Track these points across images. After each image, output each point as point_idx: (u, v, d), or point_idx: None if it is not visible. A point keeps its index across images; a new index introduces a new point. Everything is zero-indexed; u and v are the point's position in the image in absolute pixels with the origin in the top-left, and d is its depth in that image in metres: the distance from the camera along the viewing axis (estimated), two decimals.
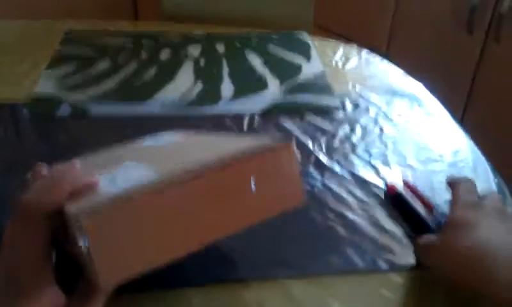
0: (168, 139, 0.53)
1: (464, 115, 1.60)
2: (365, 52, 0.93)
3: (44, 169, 0.39)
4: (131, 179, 0.36)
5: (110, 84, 0.77)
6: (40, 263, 0.33)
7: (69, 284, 0.35)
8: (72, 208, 0.32)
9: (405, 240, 0.51)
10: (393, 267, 0.48)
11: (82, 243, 0.30)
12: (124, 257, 0.32)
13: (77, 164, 0.37)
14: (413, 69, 0.87)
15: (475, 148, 0.68)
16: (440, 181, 0.60)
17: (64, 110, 0.70)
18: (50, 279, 0.33)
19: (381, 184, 0.59)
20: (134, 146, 0.52)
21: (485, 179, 0.62)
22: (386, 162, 0.63)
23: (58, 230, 0.34)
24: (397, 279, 0.47)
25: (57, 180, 0.34)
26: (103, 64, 0.82)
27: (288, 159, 0.38)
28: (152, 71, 0.81)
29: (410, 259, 0.49)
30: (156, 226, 0.33)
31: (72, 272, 0.36)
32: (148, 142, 0.53)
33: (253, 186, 0.37)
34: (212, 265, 0.47)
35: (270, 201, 0.38)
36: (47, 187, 0.34)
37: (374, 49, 0.95)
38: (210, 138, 0.51)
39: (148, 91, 0.76)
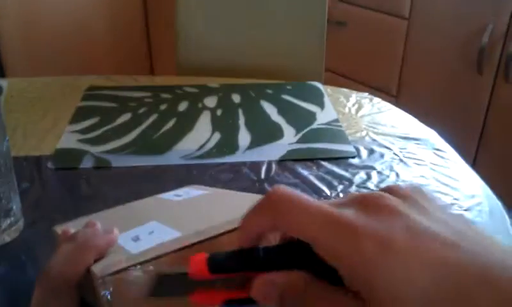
0: (191, 194, 0.54)
1: (477, 155, 1.60)
2: (377, 100, 0.95)
3: (71, 230, 0.40)
4: (155, 238, 0.37)
5: (131, 136, 0.79)
6: None
7: None
8: (96, 269, 0.33)
9: None
10: None
11: (105, 303, 0.31)
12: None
13: (98, 225, 0.39)
14: (423, 110, 0.89)
15: (490, 192, 0.68)
16: None
17: (86, 163, 0.72)
18: None
19: None
20: (158, 201, 0.53)
21: (501, 222, 0.62)
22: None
23: (83, 285, 0.35)
24: None
25: (83, 248, 0.36)
26: (124, 118, 0.85)
27: None
28: (170, 123, 0.84)
29: None
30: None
31: None
32: (171, 196, 0.54)
33: None
34: None
35: None
36: (74, 256, 0.35)
37: (383, 92, 0.97)
38: (233, 194, 0.52)
39: (167, 142, 0.78)
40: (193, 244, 0.34)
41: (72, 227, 0.45)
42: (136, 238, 0.38)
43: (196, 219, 0.42)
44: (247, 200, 0.48)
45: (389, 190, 0.27)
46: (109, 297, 0.31)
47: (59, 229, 0.47)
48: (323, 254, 0.24)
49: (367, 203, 0.26)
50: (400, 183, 0.69)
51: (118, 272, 0.32)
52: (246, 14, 1.20)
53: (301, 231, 0.25)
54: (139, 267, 0.32)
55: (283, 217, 0.26)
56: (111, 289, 0.31)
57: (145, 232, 0.39)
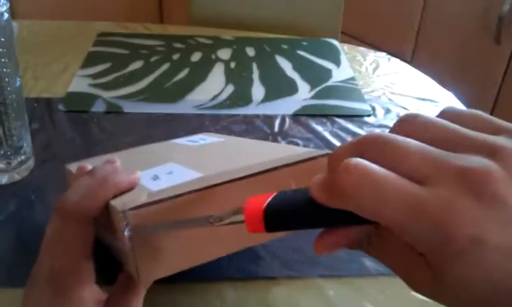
0: (205, 140, 0.53)
1: None
2: (394, 60, 0.93)
3: (88, 166, 0.39)
4: (175, 178, 0.36)
5: (143, 83, 0.78)
6: (83, 261, 0.33)
7: (108, 277, 0.36)
8: (117, 203, 0.32)
9: None
10: None
11: (125, 238, 0.31)
12: (165, 254, 0.32)
13: (118, 162, 0.38)
14: (437, 77, 0.87)
15: None
16: None
17: (98, 107, 0.71)
18: (91, 276, 0.34)
19: None
20: (173, 146, 0.52)
21: None
22: None
23: (99, 223, 0.35)
24: None
25: (103, 182, 0.35)
26: (136, 65, 0.83)
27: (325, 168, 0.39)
28: (183, 73, 0.82)
29: None
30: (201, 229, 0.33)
31: (110, 264, 0.37)
32: (185, 142, 0.53)
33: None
34: (245, 261, 0.47)
35: None
36: (93, 190, 0.34)
37: (398, 57, 0.95)
38: (249, 142, 0.51)
39: (179, 92, 0.77)
40: (216, 185, 0.33)
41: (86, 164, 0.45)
42: (156, 177, 0.37)
43: (215, 163, 0.41)
44: (264, 147, 0.47)
45: (498, 151, 0.22)
46: (129, 231, 0.30)
47: (71, 166, 0.47)
48: (405, 238, 0.22)
49: (469, 179, 0.21)
50: None
51: (138, 207, 0.31)
52: None
53: (379, 217, 0.22)
54: (161, 204, 0.31)
55: (355, 201, 0.23)
56: (132, 224, 0.30)
57: (164, 172, 0.38)
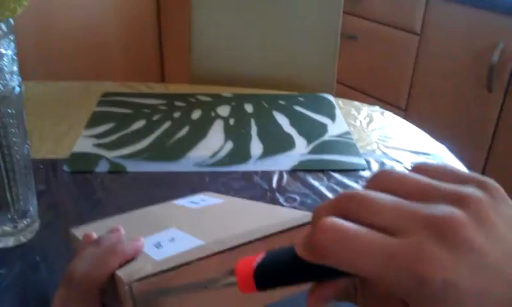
0: (207, 202, 0.55)
1: (485, 171, 1.60)
2: (388, 113, 0.96)
3: (93, 234, 0.41)
4: (177, 245, 0.38)
5: (145, 143, 0.81)
6: None
7: None
8: (122, 274, 0.34)
9: None
10: None
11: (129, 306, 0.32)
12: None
13: (122, 230, 0.40)
14: (431, 126, 0.90)
15: None
16: None
17: (102, 167, 0.74)
18: None
19: None
20: (174, 208, 0.54)
21: None
22: None
23: (105, 290, 0.36)
24: None
25: (109, 252, 0.36)
26: (138, 124, 0.86)
27: None
28: (184, 131, 0.85)
29: None
30: (201, 292, 0.35)
31: None
32: (186, 203, 0.55)
33: None
34: None
35: None
36: (100, 260, 0.36)
37: (393, 106, 0.98)
38: (246, 204, 0.53)
39: (180, 149, 0.79)
40: (217, 253, 0.35)
41: (89, 230, 0.46)
42: (158, 245, 0.38)
43: (216, 228, 0.43)
44: (263, 210, 0.49)
45: (465, 199, 0.24)
46: (135, 302, 0.32)
47: (76, 231, 0.48)
48: (385, 287, 0.24)
49: (437, 227, 0.23)
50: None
51: (143, 278, 0.32)
52: (260, 26, 1.21)
53: (356, 270, 0.24)
54: (164, 274, 0.33)
55: (332, 256, 0.24)
56: (137, 295, 0.32)
57: (166, 239, 0.40)
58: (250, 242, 0.36)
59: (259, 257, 0.28)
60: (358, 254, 0.23)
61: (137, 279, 0.32)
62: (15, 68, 0.48)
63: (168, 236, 0.40)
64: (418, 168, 0.27)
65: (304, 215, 0.41)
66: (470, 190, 0.24)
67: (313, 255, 0.25)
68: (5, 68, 0.46)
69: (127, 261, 0.36)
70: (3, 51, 0.45)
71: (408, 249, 0.23)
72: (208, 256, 0.34)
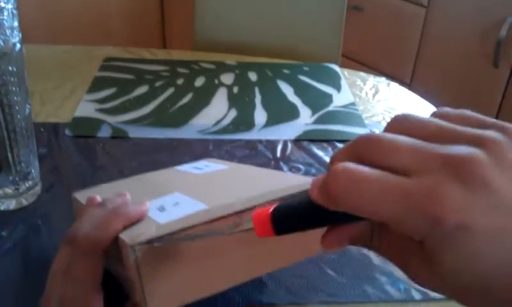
0: (211, 167, 0.54)
1: None
2: (393, 85, 0.95)
3: (98, 197, 0.41)
4: (181, 209, 0.37)
5: (148, 108, 0.80)
6: (93, 292, 0.34)
7: (115, 305, 0.37)
8: (126, 237, 0.34)
9: None
10: (427, 297, 0.49)
11: (134, 271, 0.32)
12: (173, 286, 0.33)
13: (128, 196, 0.39)
14: (435, 101, 0.89)
15: None
16: None
17: (104, 132, 0.73)
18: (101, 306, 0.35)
19: None
20: (178, 173, 0.53)
21: None
22: None
23: (107, 253, 0.36)
24: None
25: (114, 214, 0.36)
26: (141, 89, 0.85)
27: None
28: (187, 98, 0.84)
29: None
30: (205, 257, 0.34)
31: (117, 293, 0.38)
32: (189, 169, 0.54)
33: None
34: (250, 289, 0.48)
35: (317, 238, 0.39)
36: (105, 221, 0.35)
37: (397, 79, 0.97)
38: (250, 170, 0.52)
39: (183, 116, 0.78)
40: (221, 217, 0.34)
41: (92, 194, 0.46)
42: (162, 209, 0.38)
43: (220, 193, 0.42)
44: (268, 176, 0.48)
45: (485, 140, 0.23)
46: (138, 265, 0.31)
47: (78, 195, 0.48)
48: (399, 230, 0.23)
49: (455, 166, 0.22)
50: None
51: (148, 241, 0.32)
52: None
53: (371, 214, 0.23)
54: (168, 237, 0.32)
55: (345, 202, 0.24)
56: (141, 258, 0.31)
57: (170, 203, 0.39)
58: (255, 206, 0.36)
59: (276, 204, 0.28)
60: (370, 198, 0.23)
61: (140, 241, 0.32)
62: (16, 24, 0.47)
63: (172, 200, 0.40)
64: (438, 113, 0.27)
65: (309, 181, 0.40)
66: (490, 133, 0.24)
67: (327, 201, 0.25)
68: (5, 22, 0.45)
69: (131, 224, 0.36)
70: (3, 4, 0.44)
71: (423, 189, 0.22)
72: (213, 220, 0.34)
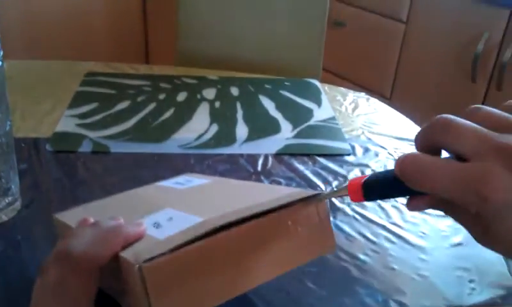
0: (192, 182, 0.54)
1: None
2: (373, 100, 0.97)
3: (91, 219, 0.40)
4: (177, 224, 0.37)
5: (129, 123, 0.80)
6: None
7: None
8: (128, 255, 0.33)
9: (417, 280, 0.53)
10: None
11: (140, 289, 0.31)
12: (178, 301, 0.32)
13: (122, 220, 0.38)
14: (415, 115, 0.91)
15: None
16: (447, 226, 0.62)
17: (85, 147, 0.73)
18: None
19: (391, 226, 0.61)
20: (162, 189, 0.53)
21: None
22: (395, 205, 0.65)
23: (101, 272, 0.35)
24: None
25: (113, 234, 0.35)
26: (122, 105, 0.85)
27: (321, 207, 0.41)
28: (169, 113, 0.84)
29: (422, 301, 0.51)
30: (208, 269, 0.34)
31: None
32: (171, 184, 0.54)
33: (295, 230, 0.39)
34: (233, 304, 0.48)
35: (307, 247, 0.40)
36: (102, 240, 0.35)
37: (377, 94, 0.99)
38: (235, 184, 0.53)
39: (165, 131, 0.79)
40: (221, 228, 0.34)
41: (75, 214, 0.45)
42: (157, 225, 0.37)
43: (211, 205, 0.43)
44: (257, 188, 0.49)
45: None
46: (145, 283, 0.31)
47: (61, 216, 0.47)
48: (459, 203, 0.29)
49: (507, 154, 0.27)
50: None
51: (153, 258, 0.31)
52: (248, 8, 1.21)
53: (434, 191, 0.30)
54: (173, 252, 0.32)
55: (412, 182, 0.30)
56: (147, 275, 0.31)
57: (163, 219, 0.39)
58: (254, 216, 0.36)
59: (366, 176, 0.35)
60: (431, 180, 0.29)
61: (146, 259, 0.31)
62: None
63: (165, 216, 0.40)
64: (504, 107, 0.31)
65: (302, 192, 0.41)
66: None
67: (400, 177, 0.31)
68: None
69: (129, 244, 0.35)
70: None
71: (476, 171, 0.28)
72: (219, 230, 0.34)
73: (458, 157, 0.30)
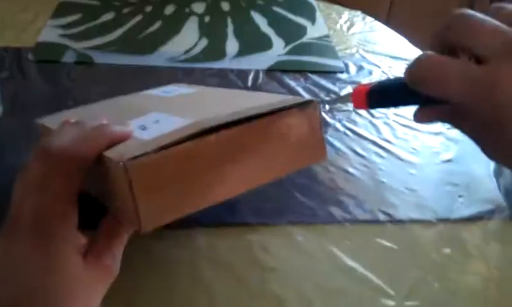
0: (180, 91, 0.52)
1: None
2: (368, 19, 0.93)
3: (72, 119, 0.37)
4: (164, 126, 0.35)
5: (114, 35, 0.77)
6: (69, 206, 0.32)
7: (89, 222, 0.35)
8: (112, 154, 0.31)
9: (406, 193, 0.53)
10: (392, 219, 0.50)
11: (125, 189, 0.30)
12: (164, 201, 0.31)
13: (105, 119, 0.36)
14: (411, 41, 0.88)
15: None
16: (439, 142, 0.61)
17: (68, 57, 0.70)
18: (75, 222, 0.33)
19: (381, 142, 0.60)
20: (148, 97, 0.51)
21: None
22: (386, 122, 0.64)
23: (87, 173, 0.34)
24: (396, 229, 0.49)
25: (97, 133, 0.33)
26: (107, 16, 0.82)
27: (313, 115, 0.39)
28: (156, 26, 0.81)
29: (409, 213, 0.50)
30: (195, 171, 0.33)
31: (91, 208, 0.36)
32: (159, 93, 0.52)
33: (285, 137, 0.37)
34: (218, 209, 0.47)
35: (297, 156, 0.39)
36: (85, 137, 0.33)
37: (374, 18, 0.95)
38: (227, 92, 0.51)
39: (151, 44, 0.76)
40: (209, 130, 0.33)
41: (57, 119, 0.43)
42: (143, 127, 0.36)
43: (199, 110, 0.41)
44: (242, 95, 0.47)
45: None
46: (130, 183, 0.30)
47: (44, 120, 0.46)
48: (471, 112, 0.28)
49: None
50: None
51: (137, 157, 0.30)
52: None
53: (447, 96, 0.28)
54: (160, 152, 0.31)
55: (424, 82, 0.29)
56: (132, 174, 0.30)
57: (150, 122, 0.37)
58: (244, 120, 0.34)
59: (372, 84, 0.34)
60: (446, 83, 0.28)
61: (131, 157, 0.30)
62: None
63: (151, 119, 0.38)
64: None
65: (296, 98, 0.39)
66: None
67: (411, 80, 0.30)
68: None
69: (115, 145, 0.33)
70: None
71: (489, 76, 0.26)
72: (201, 133, 0.32)
73: (478, 60, 0.28)
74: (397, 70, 0.77)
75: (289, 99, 0.39)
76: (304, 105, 0.38)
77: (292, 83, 0.71)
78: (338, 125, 0.63)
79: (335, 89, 0.70)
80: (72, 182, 0.32)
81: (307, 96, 0.68)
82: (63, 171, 0.32)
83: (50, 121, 0.45)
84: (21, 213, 0.31)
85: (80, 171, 0.32)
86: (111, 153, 0.32)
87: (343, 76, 0.74)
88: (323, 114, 0.64)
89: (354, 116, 0.64)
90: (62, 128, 0.36)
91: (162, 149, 0.31)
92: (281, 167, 0.38)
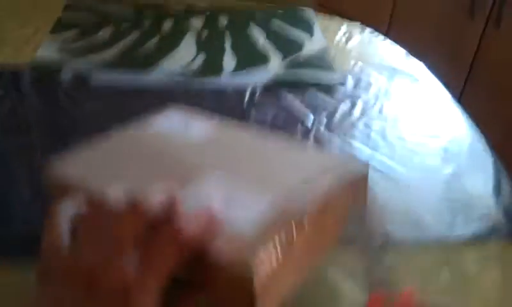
0: (194, 129, 0.44)
1: (462, 95, 1.60)
2: (367, 31, 0.93)
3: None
4: (246, 206, 0.32)
5: (112, 52, 0.77)
6: None
7: None
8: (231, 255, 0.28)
9: (402, 212, 0.52)
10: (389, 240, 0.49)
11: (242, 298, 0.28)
12: (276, 289, 0.30)
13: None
14: (412, 49, 0.88)
15: (473, 126, 0.68)
16: (438, 157, 0.61)
17: (65, 76, 0.70)
18: None
19: (380, 157, 0.60)
20: (169, 139, 0.42)
21: (481, 156, 0.63)
22: (384, 138, 0.64)
23: None
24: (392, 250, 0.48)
25: (167, 242, 0.26)
26: (105, 32, 0.82)
27: (363, 185, 0.39)
28: (153, 42, 0.81)
29: (406, 233, 0.50)
30: (297, 256, 0.32)
31: None
32: (169, 130, 0.44)
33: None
34: None
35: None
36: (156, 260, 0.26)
37: (374, 30, 0.95)
38: (255, 141, 0.43)
39: (149, 60, 0.76)
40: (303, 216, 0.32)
41: (73, 166, 0.36)
42: (228, 202, 0.31)
43: (252, 172, 0.36)
44: (275, 148, 0.41)
45: None
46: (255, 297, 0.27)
47: (55, 168, 0.37)
48: None
49: None
50: (383, 114, 0.69)
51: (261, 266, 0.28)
52: None
53: None
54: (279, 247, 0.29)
55: None
56: (258, 288, 0.27)
57: (218, 196, 0.32)
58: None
59: None
60: None
61: (254, 271, 0.26)
62: None
63: (215, 190, 0.33)
64: None
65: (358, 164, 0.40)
66: None
67: None
68: None
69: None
70: None
71: None
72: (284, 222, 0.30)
73: None
74: (397, 82, 0.76)
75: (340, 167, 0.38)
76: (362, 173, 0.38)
77: (290, 97, 0.70)
78: (337, 141, 0.62)
79: (333, 102, 0.70)
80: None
81: (305, 111, 0.67)
82: None
83: (61, 167, 0.36)
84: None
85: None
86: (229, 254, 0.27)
87: (341, 90, 0.73)
88: (322, 130, 0.64)
89: (352, 132, 0.64)
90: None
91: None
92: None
